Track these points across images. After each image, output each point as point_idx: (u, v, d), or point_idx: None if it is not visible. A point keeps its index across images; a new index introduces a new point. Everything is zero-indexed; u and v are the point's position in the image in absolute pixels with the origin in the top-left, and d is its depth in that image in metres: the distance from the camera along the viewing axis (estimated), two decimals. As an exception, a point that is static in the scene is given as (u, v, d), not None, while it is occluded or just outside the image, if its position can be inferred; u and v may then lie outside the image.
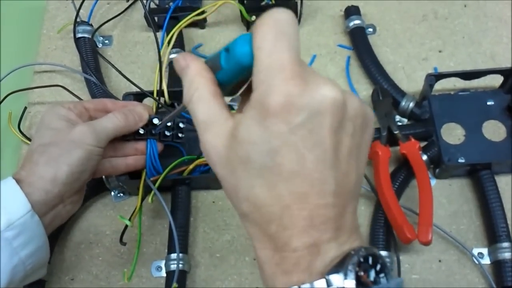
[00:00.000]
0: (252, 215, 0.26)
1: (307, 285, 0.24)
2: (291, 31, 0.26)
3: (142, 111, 0.50)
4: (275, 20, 0.26)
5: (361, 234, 0.28)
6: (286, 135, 0.24)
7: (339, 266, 0.24)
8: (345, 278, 0.24)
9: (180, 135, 0.54)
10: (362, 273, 0.24)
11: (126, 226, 0.51)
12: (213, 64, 0.29)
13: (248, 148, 0.25)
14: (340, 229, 0.26)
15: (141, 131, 0.51)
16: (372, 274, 0.25)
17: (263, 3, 0.65)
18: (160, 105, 0.56)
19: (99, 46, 0.69)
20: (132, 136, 0.51)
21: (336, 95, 0.25)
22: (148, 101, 0.58)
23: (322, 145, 0.25)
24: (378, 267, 0.25)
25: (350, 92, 0.26)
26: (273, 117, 0.24)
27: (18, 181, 0.42)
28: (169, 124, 0.53)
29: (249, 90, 0.28)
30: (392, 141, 0.56)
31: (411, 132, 0.57)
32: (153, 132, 0.52)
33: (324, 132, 0.25)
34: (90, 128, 0.46)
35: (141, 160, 0.53)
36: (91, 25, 0.68)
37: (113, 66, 0.64)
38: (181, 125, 0.54)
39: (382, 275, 0.25)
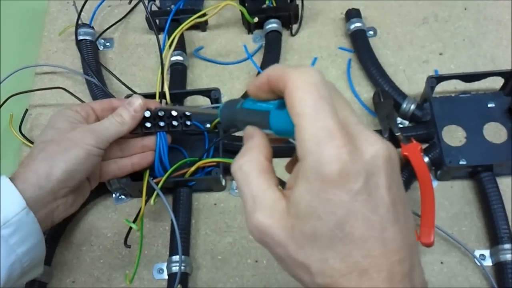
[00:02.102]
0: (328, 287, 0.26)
1: None
2: (328, 93, 0.26)
3: (134, 101, 0.50)
4: (310, 84, 0.26)
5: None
6: (349, 203, 0.24)
7: None
8: None
9: (188, 122, 0.54)
10: None
11: (130, 228, 0.51)
12: (261, 119, 0.29)
13: (313, 224, 0.25)
14: (413, 277, 0.26)
15: (148, 125, 0.51)
16: None
17: (265, 5, 0.65)
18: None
19: (101, 49, 0.69)
20: (140, 130, 0.51)
21: (385, 152, 0.26)
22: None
23: (383, 205, 0.25)
24: None
25: (389, 143, 0.27)
26: (333, 187, 0.24)
27: (13, 179, 0.43)
28: (175, 113, 0.53)
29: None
30: (393, 143, 0.55)
31: (413, 134, 0.57)
32: (161, 123, 0.52)
33: (382, 191, 0.25)
34: (90, 129, 0.47)
35: (146, 158, 0.53)
36: (92, 27, 0.68)
37: (110, 72, 0.65)
38: (187, 112, 0.54)
39: None
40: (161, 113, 0.52)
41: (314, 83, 0.26)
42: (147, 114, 0.51)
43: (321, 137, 0.25)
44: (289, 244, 0.26)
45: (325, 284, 0.26)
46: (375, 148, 0.25)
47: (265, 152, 0.29)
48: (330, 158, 0.24)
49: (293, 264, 0.27)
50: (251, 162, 0.29)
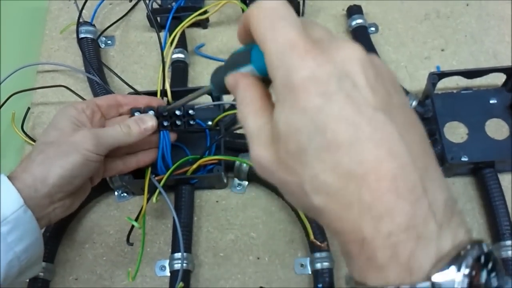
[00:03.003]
0: (328, 207, 0.23)
1: (407, 286, 0.21)
2: (288, 13, 0.25)
3: (147, 120, 0.50)
4: (265, 9, 0.25)
5: (463, 217, 0.24)
6: (326, 106, 0.22)
7: (448, 268, 0.21)
8: (456, 281, 0.21)
9: (191, 122, 0.54)
10: (474, 274, 0.21)
11: (132, 226, 0.51)
12: (244, 59, 0.29)
13: (295, 139, 0.23)
14: (434, 204, 0.22)
15: None
16: (484, 275, 0.21)
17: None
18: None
19: (102, 47, 0.69)
20: None
21: (360, 55, 0.24)
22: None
23: (368, 104, 0.22)
24: (490, 265, 0.22)
25: (368, 53, 0.25)
26: (304, 95, 0.23)
27: (11, 178, 0.43)
28: (179, 113, 0.53)
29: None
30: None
31: (414, 130, 0.57)
32: (164, 122, 0.52)
33: (363, 91, 0.23)
34: (92, 134, 0.46)
35: (151, 154, 0.53)
36: (94, 25, 0.68)
37: (111, 70, 0.64)
38: (190, 112, 0.54)
39: (493, 274, 0.22)
40: (164, 113, 0.52)
41: (271, 6, 0.25)
42: (151, 113, 0.51)
43: (283, 50, 0.24)
44: (279, 169, 0.25)
45: (324, 205, 0.23)
46: (347, 51, 0.23)
47: (256, 91, 0.28)
48: (296, 67, 0.23)
49: (292, 192, 0.25)
50: (248, 106, 0.27)
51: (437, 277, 0.21)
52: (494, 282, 0.22)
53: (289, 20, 0.24)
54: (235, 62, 0.30)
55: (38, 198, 0.43)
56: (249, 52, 0.28)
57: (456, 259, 0.21)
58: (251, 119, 0.27)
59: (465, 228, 0.23)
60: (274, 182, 0.26)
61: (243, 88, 0.28)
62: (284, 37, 0.24)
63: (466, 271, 0.21)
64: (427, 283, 0.21)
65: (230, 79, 0.29)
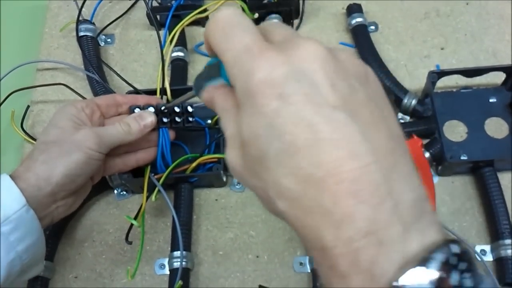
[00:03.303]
0: (291, 213, 0.22)
1: None
2: (239, 20, 0.25)
3: (146, 116, 0.50)
4: (217, 21, 0.25)
5: (436, 214, 0.23)
6: (283, 109, 0.22)
7: (414, 271, 0.20)
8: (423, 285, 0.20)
9: (190, 119, 0.54)
10: (444, 276, 0.20)
11: (132, 225, 0.51)
12: (214, 70, 0.29)
13: (256, 145, 0.23)
14: (400, 205, 0.21)
15: None
16: (456, 276, 0.20)
17: (265, 0, 0.65)
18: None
19: (102, 45, 0.69)
20: None
21: (316, 47, 0.23)
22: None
23: (327, 104, 0.22)
24: (463, 265, 0.20)
25: (338, 46, 0.25)
26: (261, 98, 0.22)
27: (13, 177, 0.43)
28: (178, 110, 0.53)
29: None
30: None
31: (414, 129, 0.57)
32: (164, 119, 0.52)
33: (322, 89, 0.22)
34: (94, 133, 0.46)
35: (151, 152, 0.53)
36: (93, 23, 0.68)
37: (111, 68, 0.64)
38: (189, 109, 0.54)
39: (466, 275, 0.20)
40: (164, 109, 0.52)
41: (222, 17, 0.25)
42: (151, 110, 0.51)
43: (239, 56, 0.23)
44: (248, 174, 0.25)
45: (287, 210, 0.22)
46: (305, 49, 0.23)
47: (230, 98, 0.27)
48: (252, 71, 0.22)
49: (261, 197, 0.25)
50: (225, 115, 0.27)
51: (402, 281, 0.20)
52: (469, 282, 0.20)
53: (242, 27, 0.24)
54: (208, 74, 0.30)
55: (41, 197, 0.43)
56: (218, 65, 0.28)
57: (422, 262, 0.20)
58: (229, 126, 0.27)
59: (437, 227, 0.22)
60: (245, 185, 0.26)
61: (219, 100, 0.28)
62: (238, 43, 0.24)
63: (433, 274, 0.20)
64: None
65: (205, 96, 0.29)
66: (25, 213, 0.41)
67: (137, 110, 0.52)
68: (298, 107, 0.22)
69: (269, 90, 0.22)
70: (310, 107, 0.22)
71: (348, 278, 0.21)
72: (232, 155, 0.26)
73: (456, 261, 0.20)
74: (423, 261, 0.20)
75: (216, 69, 0.29)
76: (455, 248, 0.21)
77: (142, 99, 0.53)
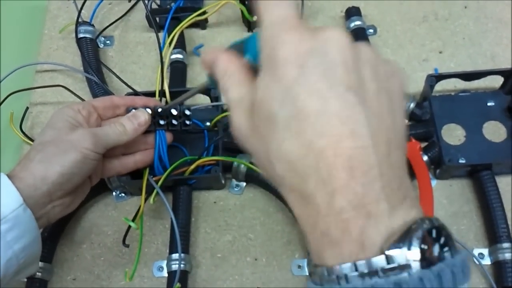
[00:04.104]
0: (288, 176, 0.24)
1: (363, 261, 0.22)
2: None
3: (139, 115, 0.50)
4: None
5: (417, 202, 0.25)
6: (301, 78, 0.23)
7: (400, 241, 0.22)
8: (408, 254, 0.21)
9: (187, 122, 0.54)
10: (426, 247, 0.22)
11: (129, 227, 0.51)
12: (238, 51, 0.30)
13: (268, 105, 0.24)
14: (388, 187, 0.23)
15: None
16: (437, 248, 0.22)
17: (264, 4, 0.65)
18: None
19: (101, 47, 0.69)
20: None
21: (340, 35, 0.25)
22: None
23: (341, 82, 0.23)
24: (442, 240, 0.23)
25: (352, 40, 0.26)
26: (283, 66, 0.24)
27: (10, 177, 0.43)
28: (175, 112, 0.53)
29: None
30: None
31: (412, 132, 0.57)
32: (160, 112, 0.52)
33: (340, 69, 0.24)
34: (90, 133, 0.46)
35: (149, 155, 0.53)
36: (92, 25, 0.68)
37: (110, 70, 0.65)
38: (187, 112, 0.54)
39: (446, 248, 0.23)
40: (161, 112, 0.52)
41: None
42: (148, 111, 0.51)
43: (275, 23, 0.25)
44: (252, 136, 0.26)
45: (285, 173, 0.24)
46: (331, 33, 0.25)
47: (238, 62, 0.29)
48: (282, 41, 0.25)
49: (261, 160, 0.26)
50: (231, 77, 0.29)
51: (390, 251, 0.22)
52: (448, 256, 0.22)
53: (290, 1, 0.26)
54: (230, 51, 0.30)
55: (38, 196, 0.43)
56: (244, 43, 0.29)
57: (407, 233, 0.22)
58: (234, 89, 0.28)
59: (418, 209, 0.24)
60: (248, 149, 0.27)
61: (224, 61, 0.29)
62: (279, 12, 0.26)
63: (417, 243, 0.22)
64: (382, 257, 0.22)
65: (206, 56, 0.31)
66: (22, 213, 0.42)
67: (133, 111, 0.52)
68: (315, 79, 0.23)
69: (293, 60, 0.24)
70: (325, 82, 0.23)
71: (340, 245, 0.23)
72: (238, 118, 0.27)
73: (436, 234, 0.22)
74: (408, 231, 0.22)
75: (241, 47, 0.29)
76: (435, 222, 0.23)
77: (140, 100, 0.53)
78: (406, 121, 0.60)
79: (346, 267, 0.22)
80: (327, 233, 0.23)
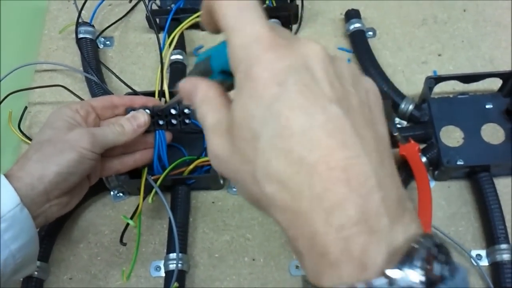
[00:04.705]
0: (279, 196, 0.23)
1: (362, 284, 0.20)
2: (255, 4, 0.25)
3: (139, 116, 0.50)
4: None
5: (415, 214, 0.24)
6: (282, 95, 0.23)
7: (402, 262, 0.20)
8: (411, 275, 0.20)
9: (187, 121, 0.54)
10: (428, 267, 0.20)
11: (127, 226, 0.51)
12: (205, 68, 0.29)
13: (249, 126, 0.23)
14: (388, 198, 0.22)
15: None
16: (438, 268, 0.21)
17: (264, 5, 0.65)
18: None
19: (101, 47, 0.69)
20: None
21: (318, 49, 0.24)
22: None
23: (324, 96, 0.23)
24: (443, 258, 0.21)
25: (338, 54, 0.25)
26: (262, 85, 0.23)
27: (7, 176, 0.43)
28: (174, 112, 0.53)
29: None
30: (391, 143, 0.56)
31: (411, 134, 0.57)
32: (159, 112, 0.52)
33: (322, 84, 0.23)
34: (88, 133, 0.46)
35: (148, 154, 0.53)
36: (92, 26, 0.68)
37: (110, 70, 0.65)
38: (186, 111, 0.54)
39: (445, 266, 0.21)
40: (160, 112, 0.52)
41: None
42: (147, 112, 0.51)
43: (249, 43, 0.24)
44: (233, 158, 0.25)
45: (275, 193, 0.23)
46: (310, 47, 0.24)
47: (215, 91, 0.28)
48: (258, 60, 0.23)
49: (244, 182, 0.25)
50: (207, 105, 0.28)
51: (391, 273, 0.20)
52: (448, 276, 0.21)
53: (258, 12, 0.25)
54: (199, 69, 0.30)
55: (35, 195, 0.43)
56: (209, 59, 0.29)
57: (409, 253, 0.21)
58: (211, 115, 0.27)
59: (417, 223, 0.23)
60: (228, 173, 0.26)
61: (203, 89, 0.28)
62: (251, 29, 0.24)
63: (420, 264, 0.20)
64: (383, 280, 0.20)
65: (186, 85, 0.29)
66: (19, 212, 0.41)
67: (132, 112, 0.52)
68: (297, 95, 0.22)
69: (272, 77, 0.23)
70: (308, 97, 0.22)
71: (339, 266, 0.21)
72: (215, 142, 0.26)
73: (436, 252, 0.21)
74: (410, 251, 0.21)
75: (206, 64, 0.29)
76: (436, 239, 0.22)
77: (139, 100, 0.53)
78: (405, 122, 0.60)
79: None
80: (326, 253, 0.21)
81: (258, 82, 0.23)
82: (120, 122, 0.49)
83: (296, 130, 0.22)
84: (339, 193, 0.21)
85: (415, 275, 0.20)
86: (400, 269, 0.20)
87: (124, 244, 0.53)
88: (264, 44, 0.24)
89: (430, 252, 0.21)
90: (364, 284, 0.20)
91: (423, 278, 0.20)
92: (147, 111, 0.51)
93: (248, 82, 0.24)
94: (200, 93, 0.28)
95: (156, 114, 0.52)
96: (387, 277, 0.20)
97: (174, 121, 0.53)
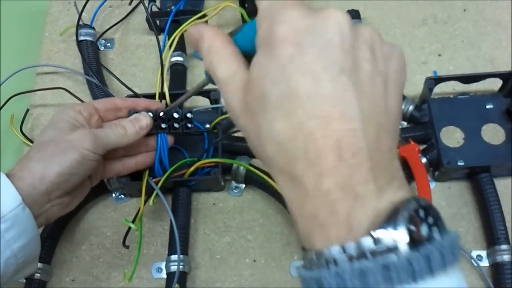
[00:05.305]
0: (277, 157, 0.24)
1: (350, 244, 0.21)
2: None
3: (141, 118, 0.51)
4: None
5: (405, 182, 0.25)
6: (296, 57, 0.23)
7: (386, 222, 0.21)
8: (395, 235, 0.21)
9: (189, 125, 0.54)
10: (413, 228, 0.21)
11: (129, 228, 0.52)
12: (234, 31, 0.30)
13: (261, 83, 0.24)
14: (376, 169, 0.23)
15: None
16: (425, 228, 0.22)
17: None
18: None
19: (101, 49, 0.70)
20: None
21: (341, 15, 0.24)
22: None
23: (336, 64, 0.23)
24: (431, 220, 0.22)
25: (366, 24, 0.26)
26: (281, 44, 0.24)
27: (9, 176, 0.43)
28: (176, 115, 0.53)
29: None
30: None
31: (411, 135, 0.57)
32: (162, 124, 0.52)
33: (336, 50, 0.23)
34: (90, 133, 0.46)
35: (150, 157, 0.53)
36: (93, 28, 0.68)
37: (111, 72, 0.65)
38: (189, 115, 0.54)
39: (435, 229, 0.22)
40: (162, 115, 0.52)
41: None
42: (149, 113, 0.51)
43: (275, 2, 0.25)
44: (244, 115, 0.26)
45: (274, 154, 0.24)
46: (332, 13, 0.24)
47: (224, 38, 0.29)
48: (280, 18, 0.24)
49: (252, 140, 0.26)
50: (217, 53, 0.28)
51: (376, 233, 0.21)
52: (437, 237, 0.22)
53: None
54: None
55: (36, 195, 0.43)
56: (241, 30, 0.29)
57: (393, 214, 0.22)
58: (223, 65, 0.28)
59: (406, 189, 0.24)
60: (239, 127, 0.27)
61: (210, 37, 0.29)
62: None
63: (404, 224, 0.21)
64: (369, 238, 0.21)
65: (193, 30, 0.30)
66: (21, 212, 0.42)
67: (135, 114, 0.52)
68: (311, 59, 0.23)
69: (291, 37, 0.24)
70: (320, 62, 0.23)
71: (327, 227, 0.23)
72: (231, 94, 0.27)
73: (424, 214, 0.22)
74: (394, 212, 0.22)
75: (236, 30, 0.29)
76: (422, 201, 0.22)
77: (143, 103, 0.53)
78: (405, 123, 0.60)
79: (334, 250, 0.22)
80: (315, 215, 0.23)
81: (278, 40, 0.24)
82: (123, 124, 0.49)
83: (302, 94, 0.23)
84: (330, 160, 0.22)
85: (399, 234, 0.21)
86: (384, 228, 0.21)
87: (127, 247, 0.53)
88: (288, 4, 0.25)
89: (415, 212, 0.22)
90: (352, 244, 0.21)
91: (407, 237, 0.21)
92: (150, 114, 0.52)
93: (268, 40, 0.24)
94: (207, 40, 0.29)
95: (158, 117, 0.52)
96: (372, 237, 0.21)
97: (176, 125, 0.53)
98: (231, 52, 0.28)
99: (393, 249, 0.21)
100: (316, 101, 0.23)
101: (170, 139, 0.54)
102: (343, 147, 0.22)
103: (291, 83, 0.23)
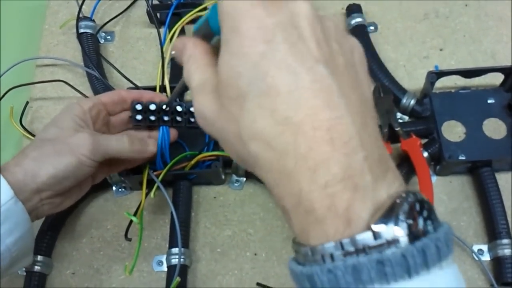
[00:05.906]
0: (264, 155, 0.23)
1: (348, 239, 0.21)
2: None
3: (150, 145, 0.51)
4: None
5: (398, 173, 0.24)
6: (270, 53, 0.23)
7: (387, 216, 0.21)
8: (395, 229, 0.21)
9: (192, 119, 0.54)
10: (412, 222, 0.21)
11: (131, 221, 0.51)
12: (205, 30, 0.29)
13: (235, 83, 0.24)
14: (370, 157, 0.22)
15: (153, 118, 0.52)
16: (421, 222, 0.21)
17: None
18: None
19: (101, 42, 0.69)
20: (144, 122, 0.51)
21: (307, 7, 0.24)
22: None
23: (310, 56, 0.23)
24: (425, 213, 0.22)
25: (327, 15, 0.25)
26: (249, 41, 0.23)
27: (2, 169, 0.42)
28: (180, 109, 0.53)
29: None
30: (393, 138, 0.56)
31: (412, 129, 0.57)
32: (165, 117, 0.52)
33: (309, 43, 0.23)
34: (92, 139, 0.45)
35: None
36: (93, 21, 0.68)
37: (111, 65, 0.65)
38: (192, 109, 0.53)
39: (429, 222, 0.22)
40: (165, 107, 0.52)
41: None
42: (152, 107, 0.51)
43: (237, 3, 0.24)
44: (220, 117, 0.25)
45: (260, 152, 0.23)
46: (299, 5, 0.24)
47: (201, 49, 0.28)
48: (246, 14, 0.23)
49: (230, 141, 0.25)
50: (194, 63, 0.28)
51: (376, 227, 0.21)
52: (431, 230, 0.22)
53: None
54: (200, 35, 0.29)
55: (27, 192, 0.43)
56: (207, 20, 0.28)
57: (392, 207, 0.21)
58: (197, 74, 0.27)
59: (400, 181, 0.24)
60: (215, 133, 0.26)
61: (191, 47, 0.28)
62: None
63: (404, 218, 0.21)
64: (368, 233, 0.21)
65: (177, 42, 0.30)
66: (14, 205, 0.41)
67: (138, 106, 0.51)
68: (284, 54, 0.23)
69: (259, 34, 0.23)
70: (295, 56, 0.23)
71: (325, 222, 0.22)
72: (202, 101, 0.26)
73: (419, 208, 0.22)
74: (393, 206, 0.21)
75: (206, 26, 0.28)
76: (418, 195, 0.22)
77: (147, 94, 0.52)
78: (407, 117, 0.60)
79: (331, 246, 0.21)
80: (312, 210, 0.22)
81: (245, 38, 0.23)
82: (129, 137, 0.49)
83: (282, 90, 0.22)
84: (323, 152, 0.22)
85: (399, 228, 0.21)
86: (384, 223, 0.21)
87: (129, 240, 0.53)
88: (249, 1, 0.24)
89: (413, 206, 0.21)
90: (349, 239, 0.21)
91: (407, 231, 0.21)
92: (153, 105, 0.51)
93: (235, 38, 0.24)
94: (187, 50, 0.28)
95: (161, 110, 0.52)
96: (372, 231, 0.21)
97: (179, 118, 0.53)
98: (207, 60, 0.28)
99: (393, 242, 0.21)
100: (298, 94, 0.22)
101: (173, 134, 0.54)
102: (334, 136, 0.22)
103: (268, 80, 0.22)
